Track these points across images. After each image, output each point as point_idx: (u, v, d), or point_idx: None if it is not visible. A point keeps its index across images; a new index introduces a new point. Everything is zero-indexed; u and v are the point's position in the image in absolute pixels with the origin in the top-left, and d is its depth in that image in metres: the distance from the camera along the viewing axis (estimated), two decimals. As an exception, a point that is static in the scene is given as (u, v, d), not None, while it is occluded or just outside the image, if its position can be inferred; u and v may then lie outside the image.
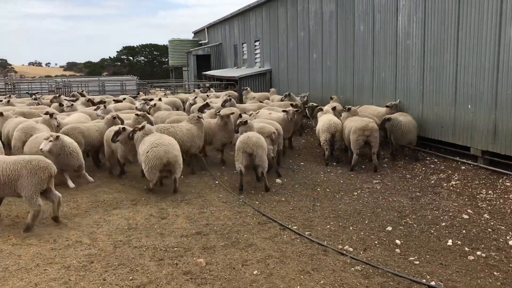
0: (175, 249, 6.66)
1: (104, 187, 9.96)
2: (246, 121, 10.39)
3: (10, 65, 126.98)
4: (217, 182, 10.37)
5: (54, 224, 7.68)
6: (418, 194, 9.29)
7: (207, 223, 7.72)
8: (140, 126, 9.99)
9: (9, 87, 31.56)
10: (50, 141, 9.19)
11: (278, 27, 24.35)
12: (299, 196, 9.29)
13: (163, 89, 32.87)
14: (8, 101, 16.71)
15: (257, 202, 8.87)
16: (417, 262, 6.17)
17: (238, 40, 32.14)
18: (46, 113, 11.72)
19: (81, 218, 8.01)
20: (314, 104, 15.15)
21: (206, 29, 41.13)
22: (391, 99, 13.90)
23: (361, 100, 15.67)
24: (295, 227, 7.47)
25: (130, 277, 5.77)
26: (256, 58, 28.41)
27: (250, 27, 29.14)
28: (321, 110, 13.42)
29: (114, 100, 17.18)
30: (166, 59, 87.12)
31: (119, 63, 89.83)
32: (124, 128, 10.13)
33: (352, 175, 10.78)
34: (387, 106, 13.05)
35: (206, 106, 14.49)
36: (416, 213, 8.13)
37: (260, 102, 17.55)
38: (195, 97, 17.92)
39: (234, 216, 8.10)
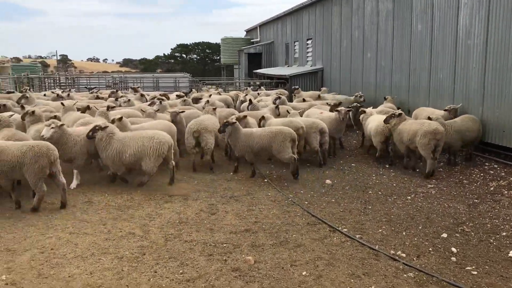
0: (224, 245, 6.70)
1: (156, 181, 10.18)
2: (234, 122, 10.39)
3: (70, 60, 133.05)
4: (265, 180, 10.36)
5: (108, 214, 7.94)
6: (476, 201, 8.87)
7: (256, 221, 7.72)
8: (102, 125, 9.46)
9: (69, 81, 33.00)
10: (52, 128, 9.07)
11: (331, 25, 24.05)
12: (350, 198, 9.11)
13: (214, 86, 33.29)
14: (68, 94, 17.45)
15: (306, 202, 8.78)
16: (475, 273, 5.87)
17: (290, 39, 32.01)
18: (107, 107, 12.17)
19: (134, 210, 8.23)
20: (358, 105, 14.57)
21: (258, 27, 41.26)
22: (448, 102, 13.36)
23: (416, 101, 15.18)
24: (345, 230, 7.33)
25: (180, 271, 5.85)
26: (307, 56, 28.20)
27: (302, 26, 28.96)
28: (364, 112, 13.02)
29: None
30: (218, 57, 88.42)
31: (172, 61, 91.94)
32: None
33: (405, 178, 10.45)
34: (445, 110, 12.49)
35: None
36: (474, 221, 7.76)
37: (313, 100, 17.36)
38: (246, 95, 17.99)
39: (283, 215, 8.05)
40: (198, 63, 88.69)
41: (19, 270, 5.83)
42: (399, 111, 11.61)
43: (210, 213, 8.11)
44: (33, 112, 10.46)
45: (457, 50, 13.16)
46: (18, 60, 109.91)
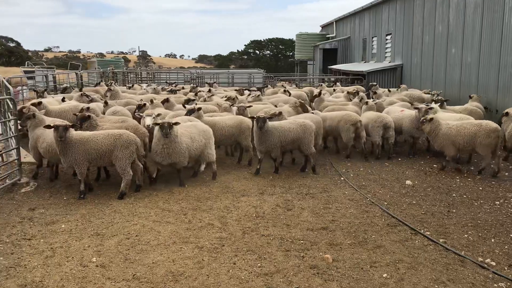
0: (301, 241, 6.67)
1: (233, 175, 10.37)
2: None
3: (149, 56, 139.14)
4: (342, 178, 10.18)
5: (188, 205, 8.20)
6: None
7: (333, 219, 7.61)
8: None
9: (150, 76, 34.50)
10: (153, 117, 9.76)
11: (413, 20, 23.09)
12: (432, 200, 8.70)
13: (287, 82, 33.27)
14: (154, 88, 18.21)
15: (386, 203, 8.51)
16: None
17: (368, 34, 31.18)
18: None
19: (212, 202, 8.43)
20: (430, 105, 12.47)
21: (334, 22, 40.59)
22: (544, 101, 12.34)
23: (506, 101, 14.16)
24: (428, 233, 7.01)
25: (259, 264, 5.91)
26: (386, 52, 27.32)
27: (381, 20, 28.08)
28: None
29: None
30: (291, 53, 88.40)
31: (245, 57, 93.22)
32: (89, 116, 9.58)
33: (493, 182, 9.81)
34: None
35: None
36: None
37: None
38: (321, 90, 17.78)
39: (361, 215, 7.87)
40: (271, 59, 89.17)
41: (107, 254, 6.18)
42: (431, 115, 10.88)
43: (286, 209, 8.11)
44: (33, 115, 9.53)
45: (556, 45, 12.10)
46: (102, 55, 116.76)
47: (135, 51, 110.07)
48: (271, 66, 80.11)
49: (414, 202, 8.60)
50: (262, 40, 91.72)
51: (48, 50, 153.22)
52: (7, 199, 8.38)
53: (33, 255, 6.15)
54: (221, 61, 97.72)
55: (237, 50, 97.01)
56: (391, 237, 6.89)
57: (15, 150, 9.46)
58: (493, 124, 10.13)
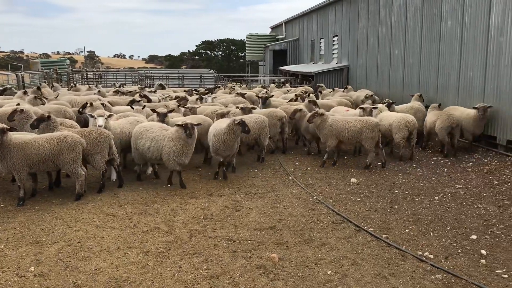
0: (249, 242, 6.69)
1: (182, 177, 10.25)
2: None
3: (97, 56, 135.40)
4: (290, 177, 10.31)
5: (134, 209, 8.03)
6: (507, 202, 8.62)
7: (281, 218, 7.69)
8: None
9: (97, 77, 33.55)
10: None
11: (358, 22, 23.75)
12: (376, 197, 8.98)
13: (238, 83, 33.33)
14: (99, 91, 17.69)
15: (332, 201, 8.69)
16: (506, 276, 5.71)
17: (316, 35, 31.78)
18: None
19: (159, 205, 8.30)
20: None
21: (283, 24, 41.10)
22: (478, 100, 13.02)
23: (444, 100, 14.83)
24: (371, 229, 7.22)
25: (205, 267, 5.87)
26: (333, 53, 27.96)
27: (329, 22, 28.70)
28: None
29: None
30: (243, 54, 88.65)
31: (197, 57, 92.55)
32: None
33: (433, 178, 10.25)
34: (475, 108, 12.19)
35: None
36: (504, 223, 7.54)
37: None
38: (265, 92, 17.91)
39: (307, 213, 8.00)
40: (223, 59, 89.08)
41: (47, 262, 5.94)
42: (322, 110, 11.55)
43: (234, 210, 8.11)
44: None
45: (488, 47, 12.81)
46: (47, 56, 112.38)
47: (82, 52, 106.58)
48: (223, 66, 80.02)
49: (358, 199, 8.83)
50: (214, 40, 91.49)
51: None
52: None
53: (-35, 267, 5.82)
54: (172, 62, 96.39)
55: (188, 51, 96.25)
56: (336, 234, 7.04)
57: None
58: (374, 120, 11.09)
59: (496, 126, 12.49)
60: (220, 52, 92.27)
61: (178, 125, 9.06)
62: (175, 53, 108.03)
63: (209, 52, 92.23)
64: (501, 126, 12.31)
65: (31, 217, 7.60)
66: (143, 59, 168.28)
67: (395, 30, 19.32)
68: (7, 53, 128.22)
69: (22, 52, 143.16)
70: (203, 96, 15.36)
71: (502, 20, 12.16)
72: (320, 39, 30.76)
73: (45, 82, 22.87)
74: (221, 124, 9.96)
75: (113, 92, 17.65)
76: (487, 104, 12.35)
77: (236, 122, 9.56)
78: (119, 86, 20.35)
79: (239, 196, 8.90)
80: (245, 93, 16.72)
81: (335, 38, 27.59)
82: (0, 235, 6.82)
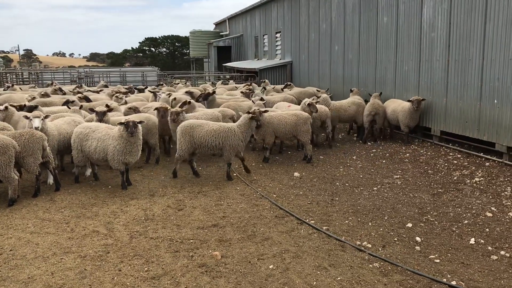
0: (191, 241, 6.62)
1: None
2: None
3: (35, 55, 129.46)
4: (235, 174, 10.30)
5: (71, 212, 7.73)
6: (440, 190, 9.06)
7: (224, 216, 7.66)
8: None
9: (33, 76, 32.04)
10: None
11: (299, 18, 24.10)
12: (318, 190, 9.16)
13: (183, 80, 32.93)
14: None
15: (275, 195, 8.77)
16: (438, 261, 5.99)
17: (259, 32, 31.96)
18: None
19: (98, 207, 8.04)
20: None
21: (227, 20, 41.02)
22: (413, 93, 13.60)
23: (383, 94, 15.35)
24: (312, 222, 7.35)
25: (146, 268, 5.75)
26: (277, 50, 28.23)
27: (271, 19, 28.93)
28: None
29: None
30: (188, 51, 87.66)
31: (141, 54, 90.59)
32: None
33: (372, 170, 10.59)
34: (409, 101, 12.72)
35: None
36: (438, 210, 7.91)
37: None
38: (214, 88, 17.83)
39: (251, 209, 8.02)
40: (168, 56, 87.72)
41: (-25, 273, 5.60)
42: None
43: (177, 209, 8.00)
44: None
45: (421, 42, 13.38)
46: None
47: (17, 50, 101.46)
48: (168, 64, 78.79)
49: (301, 193, 8.97)
50: (158, 37, 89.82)
51: None
52: None
53: None
54: (114, 59, 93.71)
55: (132, 48, 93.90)
56: (278, 228, 7.11)
57: None
58: (306, 114, 11.39)
59: (430, 117, 13.09)
60: (164, 49, 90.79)
61: (120, 123, 8.83)
62: (118, 50, 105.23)
63: (153, 49, 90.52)
64: (434, 118, 12.92)
65: (-43, 226, 7.14)
66: (84, 57, 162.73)
67: (334, 26, 19.76)
68: None
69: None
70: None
71: (433, 16, 12.73)
72: (264, 35, 30.97)
73: None
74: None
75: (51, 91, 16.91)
76: (420, 97, 12.91)
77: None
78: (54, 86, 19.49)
79: (182, 195, 8.79)
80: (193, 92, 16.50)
81: (278, 35, 27.87)
82: None
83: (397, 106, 13.19)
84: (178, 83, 24.68)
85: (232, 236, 6.78)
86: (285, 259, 6.02)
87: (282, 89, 19.02)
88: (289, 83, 19.94)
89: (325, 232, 6.90)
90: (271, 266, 5.80)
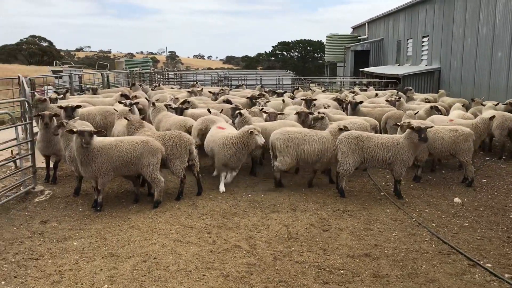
0: (341, 271, 5.80)
1: (261, 186, 9.55)
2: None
3: (178, 57, 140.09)
4: (382, 193, 9.23)
5: (212, 221, 7.42)
6: None
7: (376, 244, 6.70)
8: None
9: (177, 77, 34.03)
10: None
11: (453, 21, 21.84)
12: (487, 223, 7.68)
13: (316, 84, 32.27)
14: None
15: (434, 225, 7.54)
16: None
17: (403, 36, 29.93)
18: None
19: (239, 218, 7.63)
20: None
21: (366, 24, 39.40)
22: None
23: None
24: (489, 265, 6.03)
25: (293, 301, 5.07)
26: (422, 55, 26.08)
27: (418, 22, 26.83)
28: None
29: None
30: (319, 55, 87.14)
31: (273, 58, 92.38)
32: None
33: (555, 203, 8.70)
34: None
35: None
36: None
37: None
38: (355, 95, 16.76)
39: (407, 239, 6.93)
40: (298, 60, 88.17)
41: (121, 281, 5.44)
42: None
43: (322, 229, 7.24)
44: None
45: None
46: (131, 55, 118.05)
47: (164, 52, 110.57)
48: (298, 67, 79.04)
49: (466, 224, 7.60)
50: (290, 41, 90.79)
51: (79, 49, 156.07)
52: (19, 209, 7.78)
53: (38, 280, 5.47)
54: (248, 62, 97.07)
55: (265, 52, 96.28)
56: (445, 268, 5.95)
57: (30, 156, 8.80)
58: (467, 129, 9.87)
59: None
60: (296, 53, 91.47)
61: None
62: (252, 54, 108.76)
63: (285, 53, 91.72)
64: None
65: (107, 224, 7.24)
66: (220, 60, 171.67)
67: (498, 30, 17.36)
68: (96, 53, 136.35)
69: (109, 52, 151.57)
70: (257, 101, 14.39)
71: None
72: (408, 39, 28.91)
73: (134, 81, 22.99)
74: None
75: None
76: None
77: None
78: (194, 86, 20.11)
79: (325, 213, 8.01)
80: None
81: (425, 39, 25.70)
82: (76, 244, 6.48)
83: None
84: (314, 88, 24.01)
85: (389, 272, 5.80)
86: (461, 313, 4.88)
87: (425, 99, 17.22)
88: (442, 91, 17.97)
89: (510, 282, 5.56)
90: (444, 321, 4.72)
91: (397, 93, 17.86)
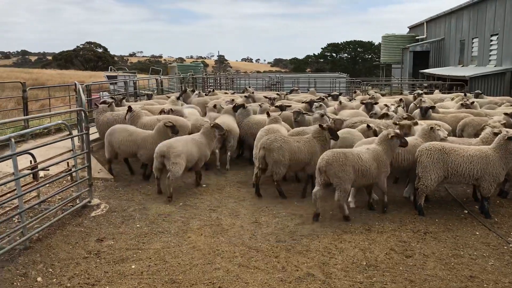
0: (437, 311, 4.93)
1: (331, 199, 8.73)
2: None
3: (227, 60, 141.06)
4: (466, 211, 8.19)
5: (279, 243, 6.71)
6: None
7: (471, 276, 5.77)
8: None
9: (229, 81, 33.64)
10: None
11: (527, 18, 20.12)
12: None
13: (371, 87, 30.96)
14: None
15: (535, 252, 6.47)
16: None
17: (467, 35, 28.12)
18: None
19: (308, 240, 6.87)
20: None
21: (425, 23, 37.58)
22: None
23: None
24: None
25: None
26: (490, 55, 24.29)
27: (485, 19, 25.06)
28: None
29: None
30: (369, 56, 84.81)
31: (322, 60, 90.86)
32: None
33: None
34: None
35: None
36: None
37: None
38: (421, 98, 15.52)
39: (507, 269, 5.95)
40: (348, 62, 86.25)
41: (185, 316, 4.84)
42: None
43: (404, 255, 6.37)
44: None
45: None
46: (182, 60, 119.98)
47: (213, 56, 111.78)
48: (348, 69, 77.20)
49: None
50: (340, 43, 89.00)
51: (132, 55, 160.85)
52: (75, 225, 7.39)
53: (95, 311, 4.96)
54: (297, 65, 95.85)
55: (314, 54, 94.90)
56: None
57: (86, 168, 8.38)
58: None
59: None
60: (345, 55, 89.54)
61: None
62: (300, 56, 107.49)
63: (334, 54, 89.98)
64: None
65: (166, 244, 6.69)
66: (268, 63, 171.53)
67: None
68: (148, 58, 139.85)
69: (160, 57, 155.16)
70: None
71: None
72: (473, 38, 27.10)
73: (188, 87, 22.53)
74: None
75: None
76: None
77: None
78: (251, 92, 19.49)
79: (405, 235, 7.10)
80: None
81: (494, 37, 23.92)
82: (134, 268, 5.95)
83: None
84: (371, 92, 22.84)
85: (495, 314, 4.88)
86: None
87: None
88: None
89: None
90: None
91: (465, 95, 16.49)
